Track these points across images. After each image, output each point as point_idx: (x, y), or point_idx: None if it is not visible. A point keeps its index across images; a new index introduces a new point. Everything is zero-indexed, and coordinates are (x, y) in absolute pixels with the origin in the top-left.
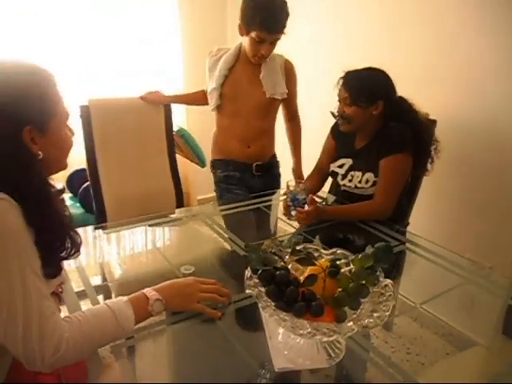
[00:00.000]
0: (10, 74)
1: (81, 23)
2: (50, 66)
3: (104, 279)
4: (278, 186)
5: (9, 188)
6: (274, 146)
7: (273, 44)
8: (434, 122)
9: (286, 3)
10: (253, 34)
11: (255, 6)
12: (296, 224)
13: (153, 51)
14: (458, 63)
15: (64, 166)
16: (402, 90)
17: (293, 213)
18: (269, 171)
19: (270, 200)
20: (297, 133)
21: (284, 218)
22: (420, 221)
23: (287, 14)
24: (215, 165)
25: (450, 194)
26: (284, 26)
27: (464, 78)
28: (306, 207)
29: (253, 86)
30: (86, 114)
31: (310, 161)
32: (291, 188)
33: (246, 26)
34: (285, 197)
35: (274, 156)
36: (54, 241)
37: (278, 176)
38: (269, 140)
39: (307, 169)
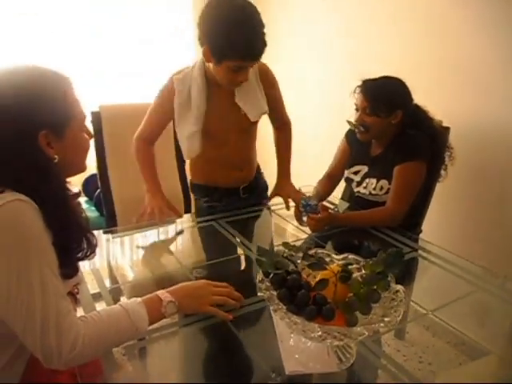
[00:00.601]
0: (25, 79)
1: (91, 27)
2: (61, 68)
3: (115, 282)
4: (267, 197)
5: (28, 190)
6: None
7: (251, 67)
8: (447, 129)
9: (260, 19)
10: (228, 64)
11: (229, 30)
12: (308, 230)
13: (165, 56)
14: (471, 69)
15: (83, 169)
16: (414, 97)
17: (304, 218)
18: (256, 189)
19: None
20: (287, 143)
21: (296, 223)
22: (433, 228)
23: (264, 32)
24: (197, 190)
25: (464, 202)
26: (266, 45)
27: (477, 84)
28: (318, 213)
29: (233, 113)
30: (97, 120)
31: (315, 166)
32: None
33: (217, 54)
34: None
35: (259, 167)
36: (71, 242)
37: (265, 189)
38: (255, 154)
39: (315, 175)
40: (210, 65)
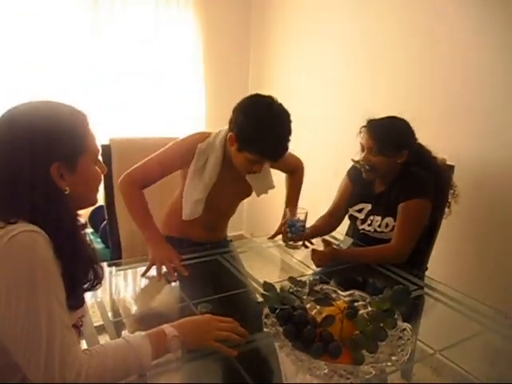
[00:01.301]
0: (40, 114)
1: (103, 60)
2: (77, 104)
3: (117, 315)
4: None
5: (40, 221)
6: None
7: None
8: (451, 167)
9: (290, 121)
10: (248, 156)
11: (260, 130)
12: (313, 265)
13: (175, 89)
14: (475, 110)
15: (93, 202)
16: (419, 136)
17: (290, 242)
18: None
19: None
20: (297, 185)
21: (301, 258)
22: (439, 266)
23: (289, 139)
24: (168, 242)
25: (470, 239)
26: (287, 151)
27: (482, 123)
28: (303, 233)
29: (240, 187)
30: (107, 153)
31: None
32: (289, 214)
33: (241, 144)
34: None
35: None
36: (79, 273)
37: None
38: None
39: (318, 212)
40: (232, 149)
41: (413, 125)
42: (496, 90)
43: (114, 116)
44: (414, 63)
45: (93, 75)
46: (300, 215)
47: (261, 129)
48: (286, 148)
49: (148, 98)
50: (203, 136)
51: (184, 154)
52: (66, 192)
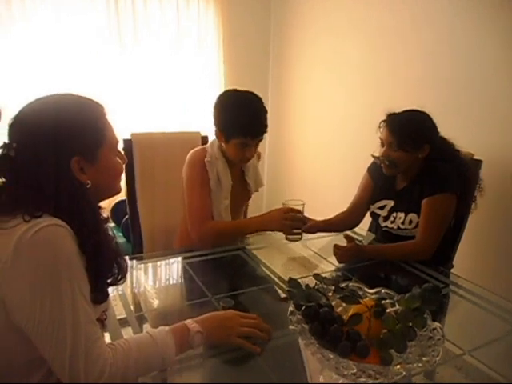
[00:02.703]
0: (57, 108)
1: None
2: (98, 97)
3: (139, 309)
4: None
5: (64, 215)
6: None
7: (257, 145)
8: (479, 161)
9: (262, 101)
10: (235, 141)
11: (233, 112)
12: (335, 261)
13: (195, 86)
14: (504, 101)
15: (117, 191)
16: (446, 130)
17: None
18: None
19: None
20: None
21: (323, 254)
22: (465, 263)
23: (267, 112)
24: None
25: (498, 236)
26: (267, 126)
27: (509, 116)
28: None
29: (243, 188)
30: (129, 148)
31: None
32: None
33: (225, 133)
34: None
35: None
36: (103, 267)
37: None
38: None
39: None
40: (224, 145)
41: (439, 119)
42: None
43: (135, 111)
44: (435, 58)
45: (116, 73)
46: (297, 207)
47: (233, 111)
48: (263, 124)
49: (169, 94)
50: (203, 151)
51: (203, 176)
52: (88, 186)
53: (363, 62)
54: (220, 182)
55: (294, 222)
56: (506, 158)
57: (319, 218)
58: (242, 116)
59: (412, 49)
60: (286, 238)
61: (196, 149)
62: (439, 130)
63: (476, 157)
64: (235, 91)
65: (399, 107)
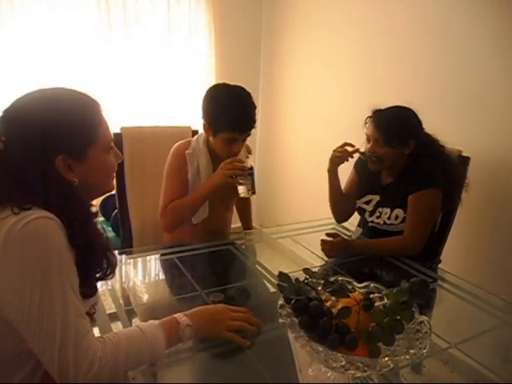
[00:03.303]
0: (48, 104)
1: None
2: (89, 91)
3: (128, 303)
4: None
5: (53, 209)
6: None
7: (244, 140)
8: (467, 158)
9: (251, 96)
10: (222, 136)
11: (221, 106)
12: (324, 256)
13: (185, 80)
14: (495, 100)
15: (108, 189)
16: (437, 126)
17: (241, 188)
18: None
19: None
20: (250, 210)
21: (312, 249)
22: (452, 259)
23: (255, 107)
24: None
25: (485, 232)
26: (255, 121)
27: (499, 116)
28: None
29: (229, 185)
30: (118, 142)
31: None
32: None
33: (213, 127)
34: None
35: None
36: (92, 261)
37: None
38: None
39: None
40: (211, 139)
41: (430, 115)
42: None
43: (125, 105)
44: (429, 55)
45: (106, 67)
46: (250, 163)
47: (222, 105)
48: (252, 119)
49: (159, 89)
50: (187, 143)
51: (180, 167)
52: (75, 183)
53: (356, 57)
54: (199, 175)
55: (235, 170)
56: (494, 155)
57: (309, 211)
58: (231, 110)
59: (406, 45)
60: (240, 195)
61: (181, 141)
62: (431, 125)
63: (464, 154)
64: (225, 85)
65: (392, 101)
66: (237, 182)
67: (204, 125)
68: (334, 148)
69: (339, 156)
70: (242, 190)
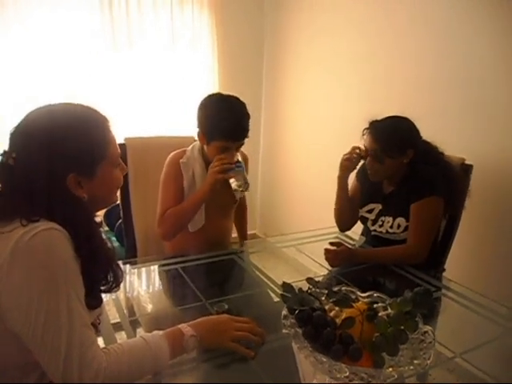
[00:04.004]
0: (61, 121)
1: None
2: (96, 104)
3: (132, 313)
4: None
5: (61, 221)
6: None
7: (238, 149)
8: (470, 166)
9: (245, 106)
10: (217, 144)
11: (215, 115)
12: (328, 266)
13: (189, 90)
14: (499, 107)
15: (113, 201)
16: (439, 134)
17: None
18: None
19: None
20: (246, 218)
21: (316, 258)
22: (456, 267)
23: (249, 117)
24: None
25: (489, 240)
26: (248, 131)
27: (503, 123)
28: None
29: (226, 194)
30: (122, 152)
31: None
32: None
33: (207, 135)
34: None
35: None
36: (98, 272)
37: None
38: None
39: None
40: (205, 147)
41: (433, 122)
42: None
43: (129, 115)
44: (431, 59)
45: (110, 76)
46: (237, 158)
47: (216, 114)
48: (245, 128)
49: (163, 97)
50: (182, 152)
51: (176, 175)
52: (85, 199)
53: (359, 62)
54: (194, 183)
55: (222, 164)
56: (497, 163)
57: (313, 220)
58: (225, 119)
59: (408, 49)
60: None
61: (177, 150)
62: (433, 132)
63: (467, 162)
64: (219, 94)
65: (394, 108)
66: (227, 177)
67: (198, 133)
68: (343, 153)
69: (350, 159)
70: (233, 184)
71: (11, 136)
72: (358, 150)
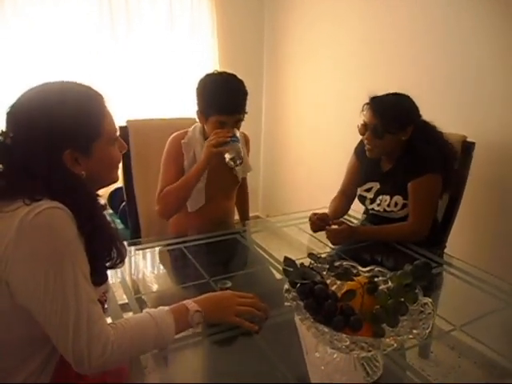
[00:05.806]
0: (54, 100)
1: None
2: (93, 84)
3: (138, 293)
4: None
5: (62, 200)
6: None
7: (235, 125)
8: (472, 144)
9: (242, 83)
10: (213, 119)
11: (211, 91)
12: (330, 244)
13: (190, 72)
14: (499, 84)
15: (114, 180)
16: (440, 112)
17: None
18: None
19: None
20: (247, 200)
21: (319, 237)
22: (458, 245)
23: (245, 93)
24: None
25: (491, 216)
26: (244, 106)
27: (505, 101)
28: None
29: (228, 174)
30: (124, 134)
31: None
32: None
33: (204, 112)
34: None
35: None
36: (101, 249)
37: None
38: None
39: (330, 193)
40: (207, 127)
41: (433, 101)
42: None
43: (131, 98)
44: (435, 41)
45: (110, 60)
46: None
47: (211, 90)
48: (240, 103)
49: (164, 80)
50: (182, 133)
51: (177, 155)
52: (83, 176)
53: (358, 49)
54: (195, 163)
55: (217, 138)
56: (499, 141)
57: (315, 201)
58: (219, 94)
59: (407, 36)
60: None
61: (179, 131)
62: (433, 112)
63: (469, 139)
64: (216, 72)
65: (394, 87)
66: (222, 150)
67: (197, 112)
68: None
69: (314, 223)
70: (227, 157)
71: (7, 116)
72: (316, 216)
